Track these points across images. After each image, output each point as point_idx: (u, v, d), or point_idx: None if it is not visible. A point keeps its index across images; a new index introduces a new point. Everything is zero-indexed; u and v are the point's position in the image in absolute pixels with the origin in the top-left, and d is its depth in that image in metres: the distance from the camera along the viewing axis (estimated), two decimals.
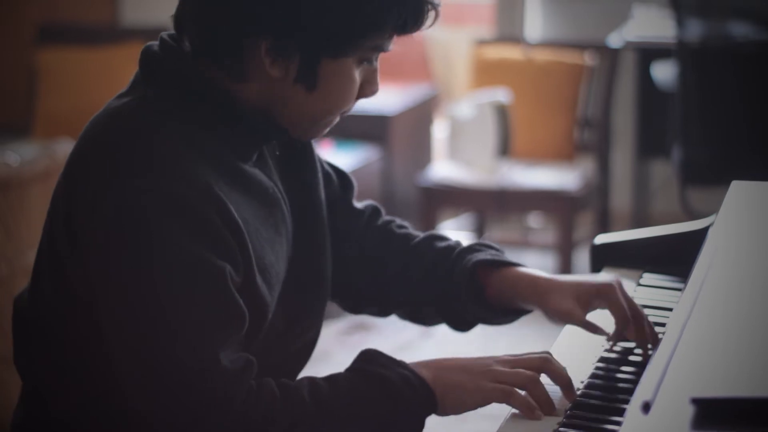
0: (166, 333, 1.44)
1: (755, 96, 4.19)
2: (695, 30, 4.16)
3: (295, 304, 1.70)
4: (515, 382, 1.54)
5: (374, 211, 1.91)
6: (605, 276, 1.79)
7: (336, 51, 1.53)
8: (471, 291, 1.79)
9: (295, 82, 1.55)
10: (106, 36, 5.48)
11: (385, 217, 1.92)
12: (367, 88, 1.61)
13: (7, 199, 2.98)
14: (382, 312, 1.91)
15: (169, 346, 1.44)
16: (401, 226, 1.91)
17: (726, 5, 4.23)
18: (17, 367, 1.66)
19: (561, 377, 1.56)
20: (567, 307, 1.72)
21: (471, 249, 1.83)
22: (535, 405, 1.52)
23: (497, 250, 1.83)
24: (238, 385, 1.46)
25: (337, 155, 4.73)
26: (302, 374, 1.80)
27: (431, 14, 1.56)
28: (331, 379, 1.53)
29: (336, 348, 4.27)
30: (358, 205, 1.90)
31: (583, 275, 1.80)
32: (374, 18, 1.52)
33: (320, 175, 1.79)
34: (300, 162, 1.75)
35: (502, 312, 1.82)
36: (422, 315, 1.88)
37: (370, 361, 1.54)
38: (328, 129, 1.65)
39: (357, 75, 1.58)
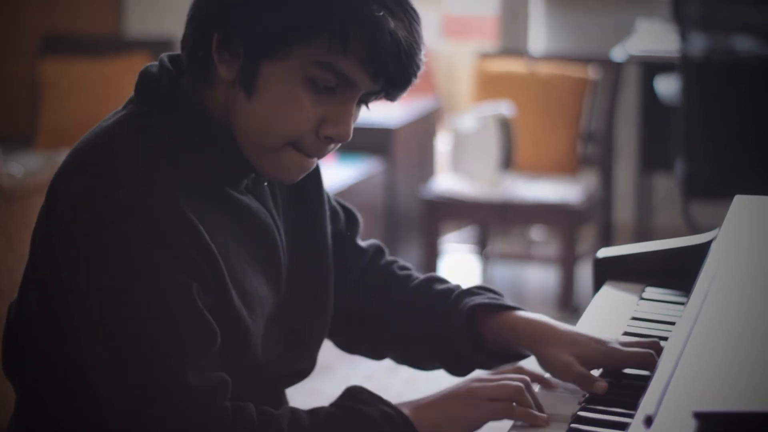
0: (132, 347, 1.45)
1: (759, 110, 4.19)
2: (699, 44, 4.16)
3: (295, 333, 1.70)
4: (502, 395, 1.53)
5: (377, 251, 1.87)
6: (604, 337, 1.69)
7: (270, 51, 1.49)
8: (467, 335, 1.74)
9: (238, 84, 1.52)
10: (111, 47, 5.49)
11: (388, 258, 1.88)
12: (331, 127, 1.52)
13: (10, 210, 2.99)
14: (375, 353, 1.87)
15: (134, 360, 1.45)
16: (403, 268, 1.87)
17: (730, 19, 4.23)
18: (6, 375, 1.66)
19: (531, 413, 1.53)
20: (565, 359, 1.65)
21: (470, 292, 1.78)
22: (537, 413, 1.52)
23: (497, 294, 1.79)
24: (206, 402, 1.45)
25: (340, 168, 4.74)
26: (302, 387, 1.80)
27: (386, 42, 1.46)
28: (314, 412, 1.52)
29: (337, 361, 4.26)
30: (363, 243, 1.87)
31: (582, 331, 1.70)
32: (305, 19, 1.47)
33: (327, 207, 1.77)
34: (305, 193, 1.75)
35: (500, 356, 1.76)
36: (417, 359, 1.84)
37: (353, 397, 1.53)
38: (294, 171, 1.56)
39: (304, 97, 1.50)
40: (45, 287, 1.57)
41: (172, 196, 1.48)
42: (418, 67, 1.52)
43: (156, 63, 1.61)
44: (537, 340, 1.68)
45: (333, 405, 1.54)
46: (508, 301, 1.76)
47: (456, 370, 1.80)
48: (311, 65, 1.49)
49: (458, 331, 1.74)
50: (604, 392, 1.59)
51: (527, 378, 1.58)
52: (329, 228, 1.77)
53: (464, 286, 1.81)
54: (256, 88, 1.51)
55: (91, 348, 1.49)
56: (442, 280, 1.83)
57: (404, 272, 1.85)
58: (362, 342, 1.87)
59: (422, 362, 1.83)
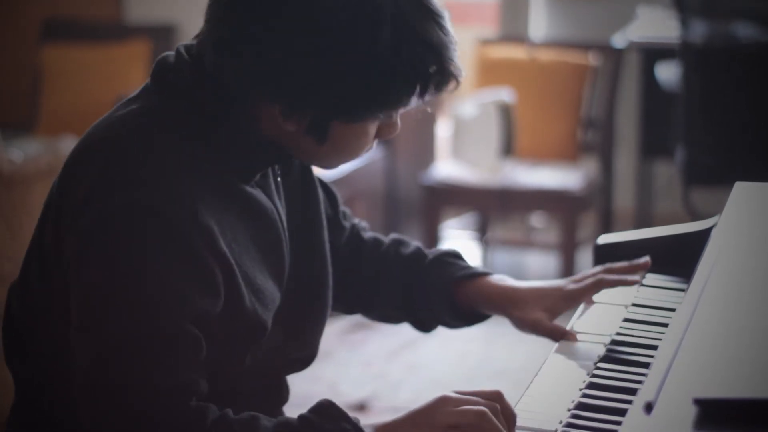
0: (106, 343, 1.44)
1: (759, 97, 4.19)
2: (699, 31, 4.15)
3: (295, 323, 1.70)
4: (464, 421, 1.46)
5: (348, 219, 1.96)
6: (558, 282, 1.90)
7: (348, 119, 1.54)
8: (449, 309, 1.90)
9: (305, 134, 1.55)
10: (111, 33, 5.48)
11: (352, 220, 1.95)
12: (385, 132, 1.62)
13: (11, 196, 2.99)
14: (347, 310, 1.99)
15: (102, 357, 1.44)
16: (365, 229, 1.96)
17: (730, 6, 4.23)
18: (6, 361, 1.66)
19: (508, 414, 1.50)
20: (534, 317, 1.84)
21: (440, 262, 1.91)
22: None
23: (461, 258, 1.92)
24: (163, 405, 1.44)
25: None
26: (303, 373, 1.80)
27: (453, 74, 1.59)
28: (278, 421, 1.49)
29: (337, 346, 4.27)
30: (342, 220, 1.94)
31: (540, 283, 1.91)
32: (388, 96, 1.53)
33: (321, 198, 1.80)
34: (306, 189, 1.76)
35: (467, 319, 1.93)
36: (388, 317, 1.97)
37: (319, 412, 1.48)
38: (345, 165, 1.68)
39: (372, 129, 1.58)
40: (47, 270, 1.56)
41: (188, 200, 1.48)
42: None
43: (172, 53, 1.59)
44: (508, 304, 1.87)
45: (299, 417, 1.49)
46: (478, 268, 1.92)
47: (422, 329, 1.96)
48: (384, 115, 1.58)
49: (438, 302, 1.90)
50: (574, 339, 1.79)
51: (497, 396, 1.51)
52: (325, 220, 1.79)
53: (425, 249, 1.95)
54: (328, 139, 1.55)
55: (73, 333, 1.49)
56: (406, 243, 1.95)
57: (369, 235, 1.95)
58: (336, 302, 1.90)
59: (392, 319, 1.97)
